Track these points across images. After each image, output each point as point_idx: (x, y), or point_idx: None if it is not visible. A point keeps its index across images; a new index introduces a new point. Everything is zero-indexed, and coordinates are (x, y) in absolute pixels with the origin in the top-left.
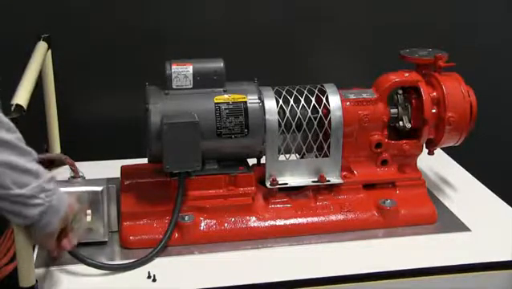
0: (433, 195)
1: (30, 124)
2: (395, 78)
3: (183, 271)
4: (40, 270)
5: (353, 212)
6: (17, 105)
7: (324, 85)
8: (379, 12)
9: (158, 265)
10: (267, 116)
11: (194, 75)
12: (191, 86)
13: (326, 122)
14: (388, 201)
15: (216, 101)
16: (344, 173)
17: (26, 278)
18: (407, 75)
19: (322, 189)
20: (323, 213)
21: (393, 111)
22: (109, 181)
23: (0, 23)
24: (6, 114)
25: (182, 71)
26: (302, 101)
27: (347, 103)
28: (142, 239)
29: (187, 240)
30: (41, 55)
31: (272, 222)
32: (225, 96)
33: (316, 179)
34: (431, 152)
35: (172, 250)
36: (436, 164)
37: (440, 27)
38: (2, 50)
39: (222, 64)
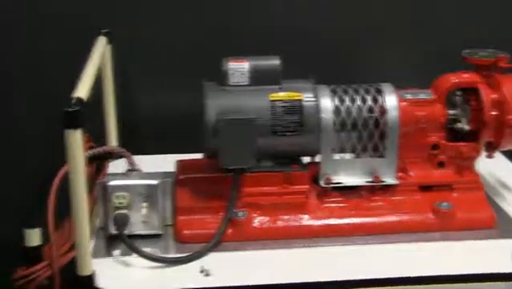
0: (492, 199)
1: (90, 117)
2: (454, 79)
3: (235, 267)
4: (97, 260)
5: (408, 213)
6: (78, 98)
7: (381, 84)
8: (438, 13)
9: (211, 260)
10: (322, 115)
11: (250, 72)
12: (247, 83)
13: (382, 122)
14: (445, 203)
15: (271, 98)
16: (400, 174)
17: (84, 266)
18: (466, 76)
19: (376, 189)
20: (377, 213)
21: (451, 112)
22: (165, 174)
23: (62, 18)
24: (67, 107)
25: (238, 68)
26: (358, 100)
27: (404, 104)
28: (196, 234)
29: (240, 236)
30: (101, 50)
31: (325, 221)
32: (281, 94)
33: (371, 179)
34: (490, 156)
35: (224, 245)
36: (495, 167)
37: (503, 28)
38: (65, 44)
39: (278, 62)
